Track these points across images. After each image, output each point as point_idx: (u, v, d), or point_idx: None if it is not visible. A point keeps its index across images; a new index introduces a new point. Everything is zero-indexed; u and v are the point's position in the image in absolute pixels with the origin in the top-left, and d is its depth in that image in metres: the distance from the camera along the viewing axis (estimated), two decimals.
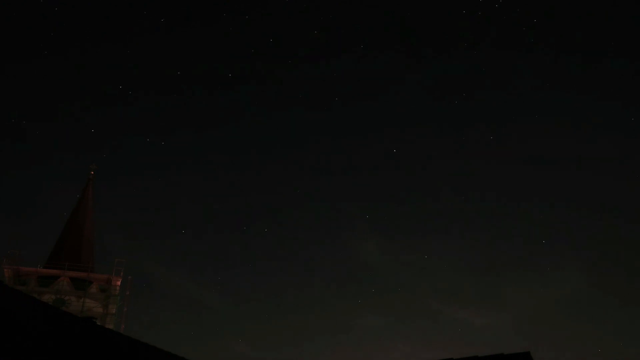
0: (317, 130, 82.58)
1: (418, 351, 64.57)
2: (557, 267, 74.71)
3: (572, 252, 76.66)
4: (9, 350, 7.27)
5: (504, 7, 70.70)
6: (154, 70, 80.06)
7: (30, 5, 68.82)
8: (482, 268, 76.56)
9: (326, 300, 76.28)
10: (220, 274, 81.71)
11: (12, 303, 9.02)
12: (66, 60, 78.33)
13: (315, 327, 74.90)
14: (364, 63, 76.35)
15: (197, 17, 76.23)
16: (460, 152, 78.23)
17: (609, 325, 73.26)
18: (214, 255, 79.20)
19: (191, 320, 74.47)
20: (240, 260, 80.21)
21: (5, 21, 69.84)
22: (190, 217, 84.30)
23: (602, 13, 71.39)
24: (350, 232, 77.69)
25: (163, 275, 76.85)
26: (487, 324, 70.39)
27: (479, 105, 78.03)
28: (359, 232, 76.29)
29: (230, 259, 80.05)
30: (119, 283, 36.05)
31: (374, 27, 76.48)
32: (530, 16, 71.38)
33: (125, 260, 38.65)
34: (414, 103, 78.92)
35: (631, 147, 73.89)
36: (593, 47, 73.72)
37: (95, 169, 42.39)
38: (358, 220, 76.85)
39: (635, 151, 74.32)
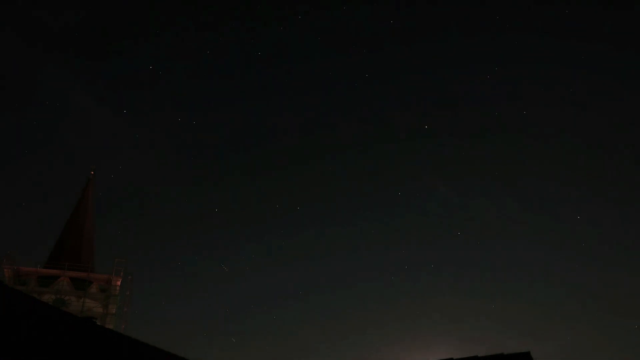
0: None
1: None
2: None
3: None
4: (9, 350, 7.27)
5: None
6: (164, 68, 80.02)
7: None
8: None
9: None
10: (222, 275, 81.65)
11: (12, 303, 9.02)
12: (67, 56, 78.36)
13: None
14: None
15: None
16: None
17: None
18: (214, 256, 79.22)
19: (190, 321, 74.46)
20: (243, 262, 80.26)
21: None
22: (191, 218, 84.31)
23: None
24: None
25: (163, 275, 76.85)
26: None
27: None
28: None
29: (231, 261, 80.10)
30: (119, 283, 36.07)
31: None
32: None
33: (125, 260, 38.66)
34: None
35: None
36: None
37: (95, 168, 42.50)
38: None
39: None
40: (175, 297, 75.98)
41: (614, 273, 75.41)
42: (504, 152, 77.84)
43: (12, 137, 77.57)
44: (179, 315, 76.16)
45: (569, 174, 76.10)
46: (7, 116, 75.95)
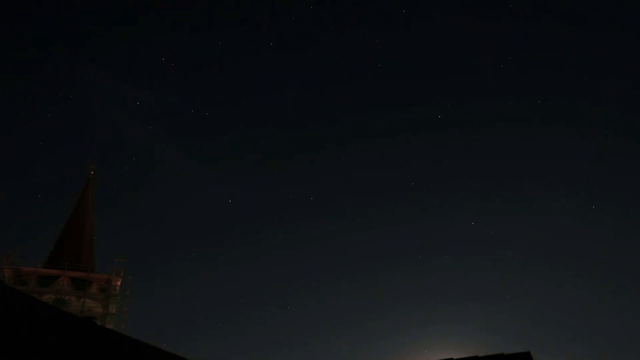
0: None
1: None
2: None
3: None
4: (9, 350, 7.27)
5: None
6: (158, 66, 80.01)
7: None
8: None
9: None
10: (221, 275, 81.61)
11: (12, 303, 9.02)
12: (70, 56, 78.26)
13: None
14: None
15: None
16: None
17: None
18: (214, 256, 79.20)
19: (190, 321, 74.44)
20: (243, 261, 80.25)
21: None
22: (191, 218, 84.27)
23: None
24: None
25: (163, 275, 76.84)
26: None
27: None
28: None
29: (231, 259, 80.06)
30: (119, 283, 36.07)
31: None
32: None
33: (126, 260, 38.66)
34: None
35: None
36: None
37: (95, 169, 42.49)
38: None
39: None
40: (175, 297, 76.00)
41: (615, 273, 75.41)
42: (511, 145, 77.83)
43: (12, 136, 77.59)
44: (179, 315, 76.19)
45: (574, 173, 76.04)
46: (8, 116, 75.95)
